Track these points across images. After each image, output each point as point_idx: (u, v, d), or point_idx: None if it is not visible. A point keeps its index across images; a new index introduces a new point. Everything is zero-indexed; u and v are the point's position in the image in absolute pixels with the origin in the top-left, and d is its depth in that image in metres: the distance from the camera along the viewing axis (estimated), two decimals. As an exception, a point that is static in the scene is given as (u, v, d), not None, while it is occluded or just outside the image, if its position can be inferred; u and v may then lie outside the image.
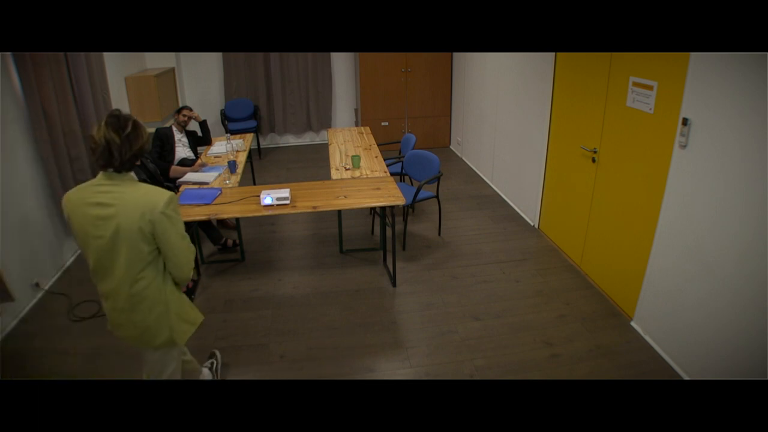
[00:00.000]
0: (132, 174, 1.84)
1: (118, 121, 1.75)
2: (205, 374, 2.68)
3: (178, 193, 3.59)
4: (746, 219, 2.21)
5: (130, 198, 1.76)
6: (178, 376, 2.20)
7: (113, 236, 1.76)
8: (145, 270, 1.84)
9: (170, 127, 4.57)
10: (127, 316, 1.91)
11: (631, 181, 3.06)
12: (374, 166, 4.13)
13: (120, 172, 1.78)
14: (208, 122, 6.81)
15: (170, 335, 1.98)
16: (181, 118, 4.55)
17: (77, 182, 4.08)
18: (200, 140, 4.85)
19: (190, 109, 4.62)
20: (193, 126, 5.02)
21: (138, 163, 1.85)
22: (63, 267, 3.98)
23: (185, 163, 4.51)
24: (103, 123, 1.75)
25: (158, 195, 1.78)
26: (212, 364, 2.77)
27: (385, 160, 4.34)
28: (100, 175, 1.79)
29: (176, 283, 2.01)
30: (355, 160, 4.05)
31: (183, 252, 1.88)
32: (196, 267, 3.86)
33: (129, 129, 1.75)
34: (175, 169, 4.13)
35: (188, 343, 3.08)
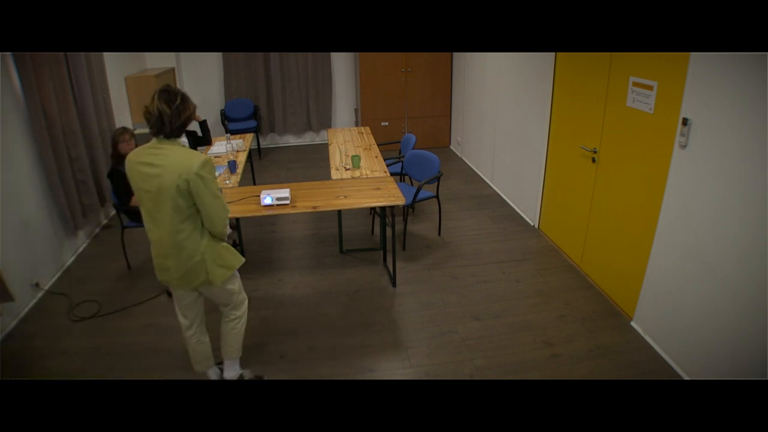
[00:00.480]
0: (180, 140, 2.13)
1: (168, 94, 2.03)
2: (213, 373, 2.70)
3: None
4: (746, 219, 2.21)
5: (172, 159, 2.04)
6: (245, 299, 2.59)
7: (158, 191, 2.05)
8: (184, 222, 2.12)
9: None
10: (170, 261, 2.20)
11: (631, 181, 3.06)
12: (374, 166, 4.13)
13: (169, 138, 2.07)
14: (208, 122, 6.81)
15: (206, 278, 2.26)
16: None
17: (77, 182, 4.09)
18: (200, 140, 4.85)
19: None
20: (193, 126, 5.01)
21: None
22: (63, 267, 3.98)
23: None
24: (155, 95, 2.02)
25: (195, 158, 2.05)
26: (241, 375, 2.73)
27: (385, 160, 4.34)
28: (153, 140, 2.09)
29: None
30: (355, 160, 4.05)
31: (215, 209, 2.13)
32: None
33: (178, 101, 2.03)
34: None
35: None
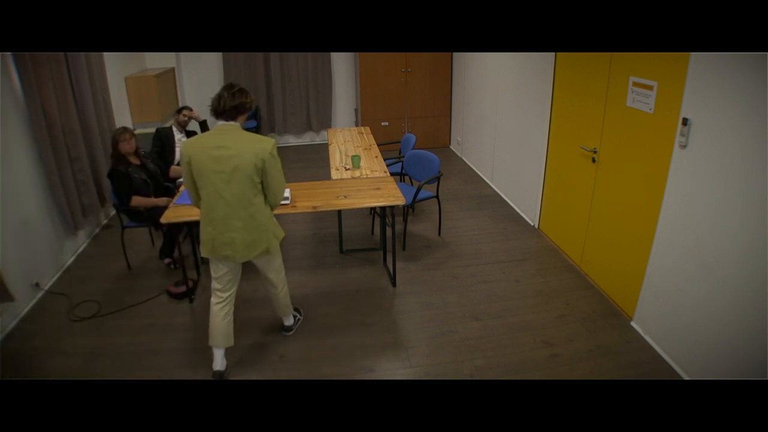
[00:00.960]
0: (238, 124, 2.44)
1: (230, 84, 2.47)
2: (221, 356, 2.81)
3: (178, 193, 3.59)
4: (746, 219, 2.21)
5: (245, 142, 2.37)
6: (283, 268, 2.90)
7: (233, 170, 2.35)
8: (256, 197, 2.46)
9: (170, 127, 4.57)
10: (237, 233, 2.47)
11: (631, 181, 3.06)
12: (374, 166, 4.13)
13: (227, 120, 2.41)
14: (208, 122, 6.82)
15: (267, 246, 2.58)
16: (182, 118, 4.55)
17: (77, 182, 4.09)
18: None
19: (191, 109, 4.62)
20: (193, 126, 5.02)
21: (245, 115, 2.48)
22: (63, 267, 3.98)
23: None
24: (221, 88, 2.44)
25: (266, 141, 2.40)
26: (297, 319, 3.21)
27: (385, 160, 4.34)
28: (216, 127, 2.43)
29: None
30: (355, 160, 4.05)
31: (280, 183, 2.51)
32: (196, 267, 3.86)
33: (235, 89, 2.42)
34: (174, 169, 4.13)
35: (188, 343, 3.09)
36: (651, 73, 2.79)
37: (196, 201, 2.53)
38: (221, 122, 2.43)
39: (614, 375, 2.73)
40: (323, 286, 3.68)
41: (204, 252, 2.56)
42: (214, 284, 2.70)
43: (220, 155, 2.34)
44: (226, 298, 2.72)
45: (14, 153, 3.44)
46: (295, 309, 3.22)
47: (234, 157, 2.34)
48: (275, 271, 2.82)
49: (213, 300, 2.72)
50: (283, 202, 3.24)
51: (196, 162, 2.37)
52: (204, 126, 4.86)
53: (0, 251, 3.13)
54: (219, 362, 2.76)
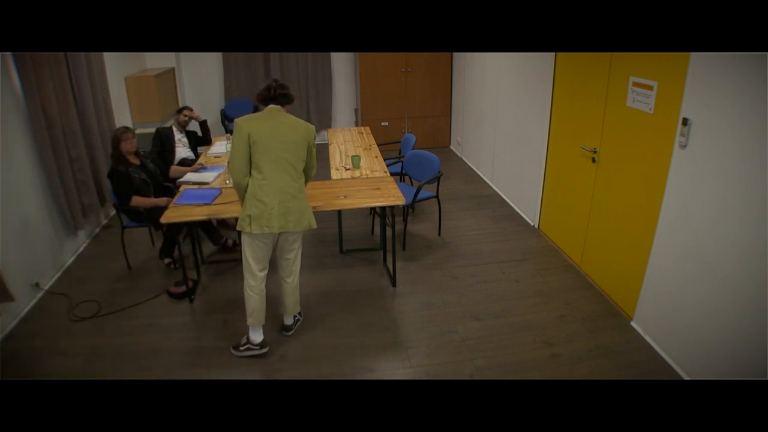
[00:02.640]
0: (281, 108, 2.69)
1: (276, 79, 2.71)
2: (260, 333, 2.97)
3: (178, 193, 3.59)
4: (746, 219, 2.21)
5: (297, 122, 2.69)
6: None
7: (294, 144, 2.64)
8: (300, 171, 2.73)
9: (170, 127, 4.57)
10: (292, 203, 2.68)
11: (631, 181, 3.06)
12: (374, 166, 4.13)
13: (277, 105, 2.67)
14: (208, 122, 6.82)
15: (309, 222, 2.79)
16: (182, 118, 4.55)
17: (77, 182, 4.09)
18: (200, 140, 4.85)
19: (191, 109, 4.62)
20: (193, 126, 5.02)
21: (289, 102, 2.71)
22: (63, 267, 3.98)
23: (185, 163, 4.51)
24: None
25: (311, 125, 2.73)
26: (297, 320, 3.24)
27: (385, 160, 4.34)
28: (268, 108, 2.67)
29: None
30: (355, 160, 4.05)
31: (316, 161, 2.84)
32: (196, 267, 3.86)
33: (281, 82, 2.67)
34: (174, 169, 4.13)
35: (188, 343, 3.09)
36: (651, 73, 2.79)
37: (244, 177, 2.64)
38: (272, 105, 2.67)
39: (614, 375, 2.73)
40: (323, 286, 3.68)
41: (254, 227, 2.65)
42: (252, 266, 2.82)
43: (281, 128, 2.62)
44: (263, 278, 2.89)
45: (14, 153, 3.44)
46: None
47: (292, 131, 2.64)
48: (297, 253, 2.94)
49: (251, 283, 2.85)
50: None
51: (257, 134, 2.56)
52: (204, 126, 4.86)
53: (0, 251, 3.13)
54: (261, 334, 2.96)
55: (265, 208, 2.64)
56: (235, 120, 2.59)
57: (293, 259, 2.94)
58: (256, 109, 6.75)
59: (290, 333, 3.15)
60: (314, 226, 2.80)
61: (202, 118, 4.88)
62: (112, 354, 3.00)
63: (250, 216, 2.65)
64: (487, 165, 5.71)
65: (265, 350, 2.94)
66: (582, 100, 3.56)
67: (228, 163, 2.67)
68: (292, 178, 2.68)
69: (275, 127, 2.61)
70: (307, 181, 2.86)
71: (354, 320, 3.28)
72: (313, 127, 2.73)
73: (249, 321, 2.91)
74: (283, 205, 2.66)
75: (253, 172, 2.65)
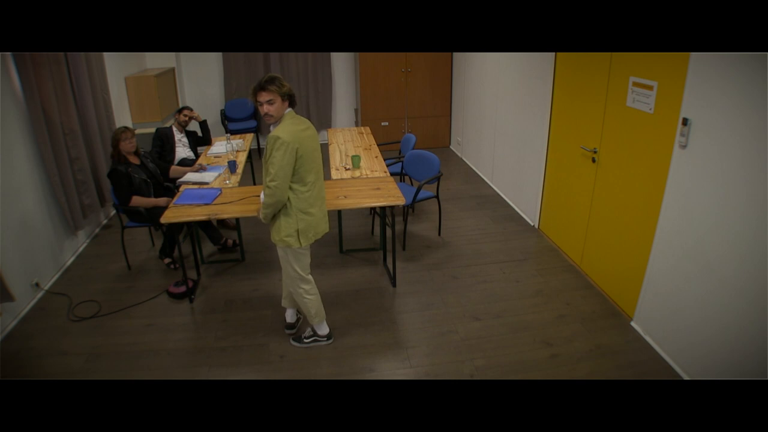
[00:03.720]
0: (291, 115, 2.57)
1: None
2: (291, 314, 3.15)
3: (178, 194, 3.59)
4: (746, 219, 2.21)
5: (312, 126, 2.64)
6: None
7: (319, 151, 2.63)
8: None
9: (170, 127, 4.57)
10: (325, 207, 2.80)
11: (631, 181, 3.06)
12: (374, 166, 4.13)
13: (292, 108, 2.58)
14: (208, 122, 6.82)
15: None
16: (182, 118, 4.55)
17: (77, 182, 4.09)
18: (200, 140, 4.85)
19: (191, 110, 4.62)
20: (193, 126, 5.03)
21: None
22: (63, 267, 3.98)
23: (185, 163, 4.52)
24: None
25: (276, 131, 2.48)
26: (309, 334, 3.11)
27: (385, 160, 4.34)
28: (290, 113, 2.55)
29: None
30: (355, 160, 4.05)
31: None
32: (196, 267, 3.86)
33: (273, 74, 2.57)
34: (174, 169, 4.13)
35: (188, 343, 3.09)
36: (651, 73, 2.79)
37: (286, 192, 2.53)
38: (290, 109, 2.58)
39: (614, 375, 2.73)
40: (323, 286, 3.67)
41: (303, 241, 2.66)
42: (302, 275, 2.84)
43: (313, 135, 2.60)
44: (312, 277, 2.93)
45: (14, 153, 3.44)
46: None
47: (316, 136, 2.65)
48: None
49: (306, 287, 2.87)
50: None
51: (303, 148, 2.49)
52: (204, 126, 4.86)
53: (0, 251, 3.13)
54: (327, 326, 3.05)
55: (313, 219, 2.65)
56: (279, 136, 2.40)
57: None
58: (257, 109, 6.78)
59: (292, 331, 3.15)
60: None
61: (202, 118, 4.88)
62: (112, 354, 3.00)
63: (297, 231, 2.62)
64: (487, 165, 5.71)
65: (331, 341, 3.05)
66: (582, 100, 3.56)
67: (270, 181, 2.45)
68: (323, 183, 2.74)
69: (311, 136, 2.57)
70: None
71: (354, 320, 3.28)
72: None
73: (315, 321, 2.96)
74: (323, 210, 2.76)
75: (294, 185, 2.54)
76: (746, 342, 2.26)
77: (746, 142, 2.17)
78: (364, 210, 4.74)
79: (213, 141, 4.96)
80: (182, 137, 4.63)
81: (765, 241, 2.11)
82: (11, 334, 3.20)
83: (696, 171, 2.49)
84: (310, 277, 2.89)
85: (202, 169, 4.11)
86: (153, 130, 4.67)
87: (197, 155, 4.74)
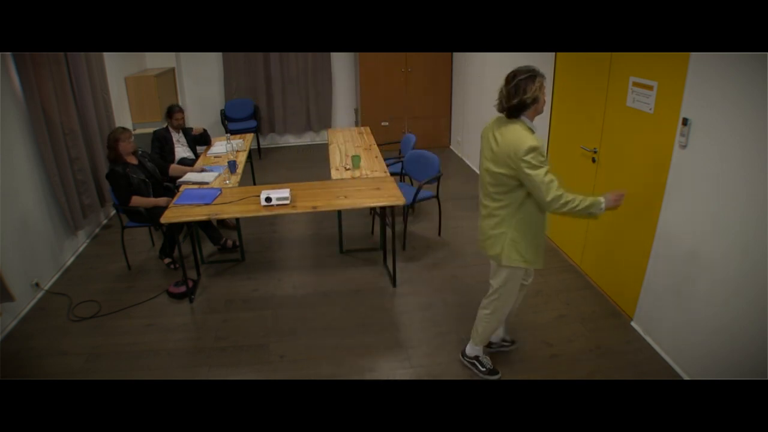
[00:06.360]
0: (522, 119, 2.21)
1: (511, 74, 2.21)
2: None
3: (178, 194, 3.59)
4: (746, 219, 2.21)
5: (506, 139, 2.18)
6: (503, 295, 2.57)
7: (492, 162, 2.26)
8: (500, 195, 2.27)
9: (166, 128, 4.59)
10: (481, 222, 2.45)
11: (631, 181, 3.05)
12: (374, 166, 4.13)
13: (508, 117, 2.22)
14: (209, 121, 6.84)
15: (498, 252, 2.37)
16: (175, 122, 4.56)
17: (77, 182, 4.09)
18: (199, 139, 4.87)
19: (182, 110, 4.62)
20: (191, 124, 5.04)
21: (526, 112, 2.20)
22: (63, 267, 3.98)
23: (185, 162, 4.52)
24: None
25: (522, 142, 2.11)
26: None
27: (385, 160, 4.34)
28: (500, 117, 2.29)
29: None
30: (356, 160, 4.05)
31: (540, 190, 2.16)
32: (196, 267, 3.86)
33: (513, 83, 2.15)
34: (174, 168, 4.13)
35: (188, 343, 3.09)
36: (651, 73, 2.79)
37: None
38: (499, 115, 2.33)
39: (614, 375, 2.73)
40: (323, 286, 3.68)
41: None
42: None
43: (491, 146, 2.32)
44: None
45: (14, 153, 3.44)
46: (509, 341, 2.93)
47: (497, 150, 2.29)
48: (494, 283, 2.55)
49: (507, 311, 2.67)
50: (282, 202, 3.24)
51: (482, 144, 2.40)
52: (205, 133, 4.89)
53: (0, 251, 3.13)
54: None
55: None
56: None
57: (491, 290, 2.60)
58: (256, 109, 6.79)
59: (466, 360, 2.80)
60: (500, 262, 2.39)
61: (201, 129, 4.89)
62: (112, 354, 3.00)
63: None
64: (487, 165, 5.70)
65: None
66: (582, 100, 3.56)
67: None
68: (491, 198, 2.38)
69: (490, 142, 2.35)
70: (546, 210, 2.34)
71: (354, 320, 3.28)
72: (525, 145, 2.14)
73: (494, 336, 2.83)
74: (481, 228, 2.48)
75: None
76: (746, 342, 2.26)
77: (746, 142, 2.17)
78: (364, 210, 4.74)
79: (213, 141, 4.97)
80: (180, 137, 4.65)
81: (765, 241, 2.11)
82: (11, 334, 3.20)
83: (696, 171, 2.49)
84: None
85: (202, 170, 4.11)
86: (153, 130, 4.68)
87: (196, 155, 4.75)
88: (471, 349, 2.77)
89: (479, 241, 2.52)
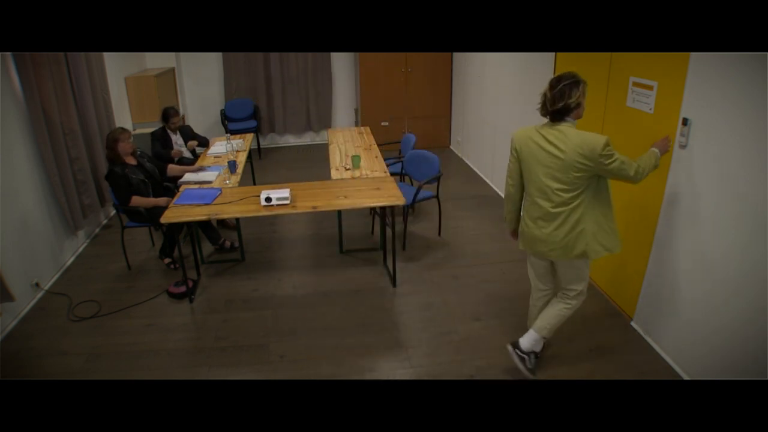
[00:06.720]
0: (570, 121, 2.26)
1: (555, 79, 2.22)
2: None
3: (178, 193, 3.59)
4: (746, 219, 2.21)
5: (573, 142, 2.20)
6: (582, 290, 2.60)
7: (559, 168, 2.25)
8: (575, 197, 2.29)
9: (163, 128, 4.59)
10: (547, 231, 2.39)
11: (631, 181, 3.05)
12: (374, 166, 4.13)
13: (552, 121, 2.27)
14: (209, 121, 6.85)
15: (584, 249, 2.38)
16: (173, 125, 4.58)
17: (77, 182, 4.09)
18: (196, 138, 4.88)
19: (177, 113, 4.64)
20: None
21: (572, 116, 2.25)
22: (63, 267, 3.98)
23: (184, 162, 4.53)
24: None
25: (594, 140, 2.18)
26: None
27: (385, 160, 4.34)
28: (545, 122, 2.31)
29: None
30: (356, 161, 4.05)
31: (625, 172, 2.26)
32: (196, 267, 3.86)
33: (558, 87, 2.19)
34: (172, 168, 4.12)
35: (188, 343, 3.09)
36: (651, 73, 2.79)
37: (510, 188, 2.55)
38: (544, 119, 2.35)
39: (614, 375, 2.73)
40: (323, 286, 3.68)
41: (525, 246, 2.54)
42: (532, 277, 2.73)
43: (543, 147, 2.34)
44: (545, 289, 2.74)
45: (14, 153, 3.44)
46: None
47: (561, 154, 2.30)
48: (569, 284, 2.57)
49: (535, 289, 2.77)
50: (282, 202, 3.24)
51: (524, 153, 2.41)
52: (203, 140, 4.91)
53: (0, 251, 3.13)
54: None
55: (528, 230, 2.52)
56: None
57: (569, 290, 2.61)
58: (256, 109, 6.80)
59: (524, 355, 2.66)
60: (589, 257, 2.41)
61: (195, 144, 4.90)
62: (112, 354, 3.00)
63: (521, 230, 2.56)
64: (487, 165, 5.71)
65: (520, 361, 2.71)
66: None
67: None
68: (559, 201, 2.38)
69: (541, 148, 2.35)
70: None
71: (354, 320, 3.28)
72: (600, 142, 2.18)
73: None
74: (542, 231, 2.47)
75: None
76: (746, 342, 2.26)
77: (746, 142, 2.17)
78: (364, 210, 4.74)
79: (213, 141, 4.97)
80: (177, 138, 4.67)
81: (765, 241, 2.11)
82: (11, 334, 3.20)
83: (696, 171, 2.49)
84: (536, 284, 2.74)
85: (201, 169, 4.11)
86: (153, 130, 4.69)
87: (196, 155, 4.76)
88: (532, 343, 2.67)
89: (545, 252, 2.46)
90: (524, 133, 2.39)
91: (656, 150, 2.46)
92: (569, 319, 3.20)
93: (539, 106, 2.31)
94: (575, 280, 2.54)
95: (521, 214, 2.60)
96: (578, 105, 2.23)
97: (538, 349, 2.71)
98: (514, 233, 2.75)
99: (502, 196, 5.24)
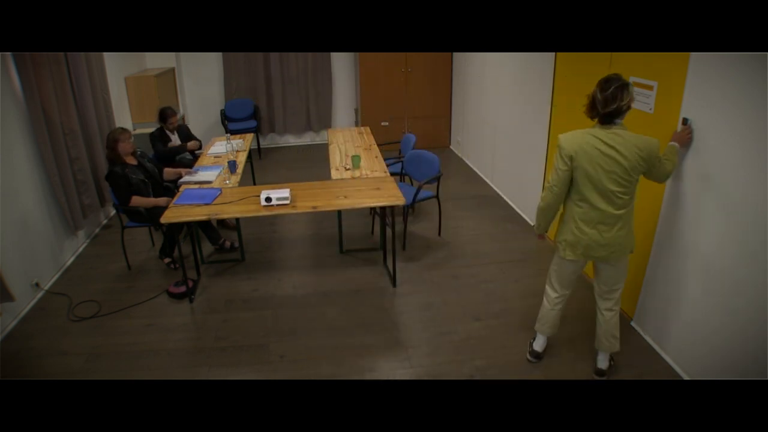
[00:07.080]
0: (621, 124, 2.27)
1: (603, 81, 2.23)
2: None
3: (178, 193, 3.59)
4: (746, 219, 2.21)
5: (632, 145, 2.22)
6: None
7: (622, 171, 2.24)
8: (630, 198, 2.35)
9: (161, 128, 4.60)
10: (608, 234, 2.38)
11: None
12: (374, 166, 4.13)
13: (603, 123, 2.26)
14: (209, 121, 6.85)
15: (631, 248, 2.48)
16: (171, 126, 4.58)
17: (77, 182, 4.09)
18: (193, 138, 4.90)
19: (175, 113, 4.64)
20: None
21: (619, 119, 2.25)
22: (63, 267, 3.98)
23: (183, 162, 4.54)
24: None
25: (651, 142, 2.24)
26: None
27: (385, 160, 4.34)
28: (596, 125, 2.30)
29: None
30: (356, 161, 4.05)
31: (667, 169, 2.39)
32: (196, 267, 3.86)
33: (609, 90, 2.19)
34: (168, 171, 4.11)
35: (188, 343, 3.09)
36: (651, 73, 2.79)
37: (556, 197, 2.47)
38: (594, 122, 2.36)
39: (614, 375, 2.73)
40: (323, 286, 3.68)
41: (575, 254, 2.48)
42: (551, 281, 2.74)
43: (609, 154, 2.31)
44: (561, 295, 2.75)
45: (14, 153, 3.44)
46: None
47: (619, 158, 2.30)
48: (614, 286, 2.60)
49: (547, 296, 2.80)
50: (282, 202, 3.24)
51: (583, 160, 2.35)
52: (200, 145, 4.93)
53: (0, 251, 3.13)
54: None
55: (585, 237, 2.47)
56: (560, 137, 2.35)
57: (614, 293, 2.64)
58: (256, 109, 6.80)
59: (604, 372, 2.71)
60: (626, 254, 2.50)
61: (198, 144, 4.90)
62: (112, 354, 3.00)
63: (566, 240, 2.53)
64: (487, 165, 5.71)
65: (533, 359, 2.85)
66: (582, 100, 3.54)
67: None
68: (621, 203, 2.40)
69: (603, 153, 2.30)
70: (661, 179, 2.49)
71: (354, 320, 3.28)
72: (656, 143, 2.26)
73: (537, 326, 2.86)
74: (604, 236, 2.46)
75: (573, 196, 2.42)
76: (746, 342, 2.26)
77: (746, 142, 2.17)
78: (364, 210, 4.74)
79: (213, 141, 4.98)
80: (176, 138, 4.67)
81: (765, 241, 2.11)
82: (11, 334, 3.20)
83: (696, 171, 2.49)
84: (555, 289, 2.72)
85: (195, 170, 4.09)
86: (150, 132, 4.69)
87: (195, 156, 4.76)
88: (606, 362, 2.71)
89: (605, 255, 2.44)
90: (579, 139, 2.30)
91: (676, 144, 2.48)
92: (569, 320, 3.21)
93: (585, 108, 2.31)
94: (622, 278, 2.57)
95: (566, 221, 2.50)
96: (629, 107, 2.24)
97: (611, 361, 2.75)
98: (542, 236, 2.77)
99: (502, 195, 5.25)
